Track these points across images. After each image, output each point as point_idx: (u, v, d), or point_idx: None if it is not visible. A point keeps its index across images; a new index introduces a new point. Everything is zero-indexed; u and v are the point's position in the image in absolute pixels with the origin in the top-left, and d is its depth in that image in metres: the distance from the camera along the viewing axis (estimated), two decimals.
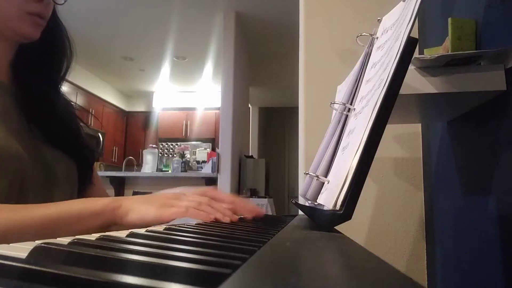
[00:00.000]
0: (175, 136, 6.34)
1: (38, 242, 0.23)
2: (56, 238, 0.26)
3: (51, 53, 0.74)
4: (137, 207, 0.50)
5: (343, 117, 0.63)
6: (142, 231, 0.34)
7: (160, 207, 0.50)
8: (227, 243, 0.27)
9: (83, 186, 0.77)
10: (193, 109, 6.42)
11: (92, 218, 0.49)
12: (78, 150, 0.74)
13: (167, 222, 0.50)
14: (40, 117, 0.68)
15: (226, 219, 0.53)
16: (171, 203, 0.52)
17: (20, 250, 0.22)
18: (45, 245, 0.22)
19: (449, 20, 0.73)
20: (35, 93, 0.69)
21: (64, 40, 0.76)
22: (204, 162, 5.19)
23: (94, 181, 0.80)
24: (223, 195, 0.62)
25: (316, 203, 0.57)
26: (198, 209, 0.52)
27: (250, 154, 4.69)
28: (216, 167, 3.76)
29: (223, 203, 0.59)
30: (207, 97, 6.40)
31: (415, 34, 1.08)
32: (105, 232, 0.46)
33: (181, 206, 0.51)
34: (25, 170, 0.61)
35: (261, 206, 3.85)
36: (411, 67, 0.71)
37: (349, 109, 0.61)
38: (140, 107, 7.03)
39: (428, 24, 1.07)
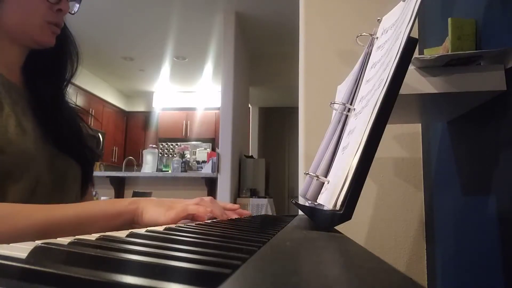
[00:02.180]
0: (175, 136, 6.34)
1: (38, 242, 0.23)
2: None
3: (58, 59, 0.77)
4: (150, 210, 0.55)
5: (343, 117, 0.63)
6: (142, 231, 0.34)
7: (167, 210, 0.55)
8: (227, 243, 0.27)
9: (86, 187, 0.77)
10: (193, 109, 6.41)
11: (115, 217, 0.54)
12: (80, 151, 0.75)
13: (175, 223, 0.54)
14: (50, 121, 0.70)
15: (224, 217, 0.58)
16: (174, 206, 0.56)
17: (20, 250, 0.22)
18: (45, 245, 0.22)
19: (449, 20, 0.73)
20: (45, 96, 0.71)
21: (70, 45, 0.79)
22: (204, 162, 5.19)
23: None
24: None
25: (316, 203, 0.57)
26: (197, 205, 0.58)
27: (250, 154, 4.69)
28: (216, 167, 3.76)
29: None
30: (207, 97, 6.40)
31: (415, 34, 1.08)
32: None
33: (181, 206, 0.56)
34: (40, 173, 0.63)
35: (261, 206, 3.85)
36: (411, 67, 0.71)
37: (349, 109, 0.61)
38: (140, 107, 7.03)
39: (428, 24, 1.07)
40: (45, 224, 0.48)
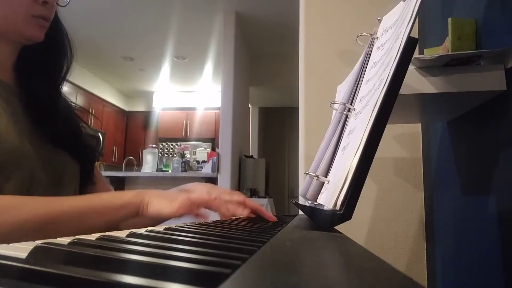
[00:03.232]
0: (175, 136, 6.34)
1: (38, 242, 0.23)
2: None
3: (52, 54, 0.75)
4: (155, 201, 0.56)
5: (343, 117, 0.63)
6: (142, 231, 0.34)
7: (171, 201, 0.55)
8: (227, 243, 0.27)
9: (84, 186, 0.77)
10: (193, 109, 6.41)
11: (119, 210, 0.54)
12: (80, 150, 0.75)
13: (179, 215, 0.55)
14: (45, 118, 0.69)
15: (228, 213, 0.59)
16: (178, 197, 0.57)
17: (20, 250, 0.22)
18: (45, 245, 0.22)
19: (449, 20, 0.73)
20: (39, 94, 0.70)
21: (64, 41, 0.77)
22: (204, 162, 5.19)
23: (96, 181, 0.80)
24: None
25: (316, 203, 0.57)
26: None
27: (250, 154, 4.69)
28: (216, 167, 3.76)
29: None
30: (207, 97, 6.39)
31: (415, 34, 1.08)
32: (128, 222, 0.53)
33: (185, 195, 0.56)
34: (34, 170, 0.62)
35: (261, 206, 3.85)
36: (411, 67, 0.71)
37: (349, 109, 0.61)
38: (140, 107, 7.02)
39: (428, 24, 1.07)
40: (49, 215, 0.49)
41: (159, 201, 0.55)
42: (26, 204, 0.50)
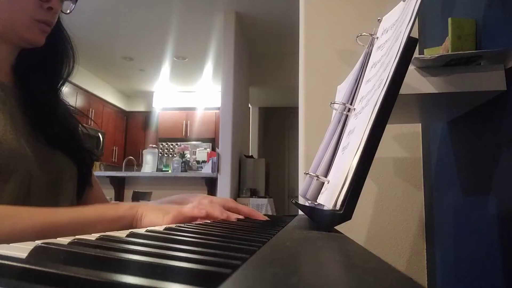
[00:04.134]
0: (175, 136, 6.34)
1: (38, 242, 0.23)
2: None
3: (52, 59, 0.75)
4: (149, 214, 0.55)
5: (343, 117, 0.63)
6: (142, 231, 0.34)
7: (164, 215, 0.55)
8: (227, 243, 0.27)
9: (82, 189, 0.77)
10: (193, 109, 6.41)
11: (113, 222, 0.54)
12: (78, 152, 0.75)
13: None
14: (43, 120, 0.69)
15: (222, 216, 0.58)
16: (170, 210, 0.56)
17: (20, 250, 0.22)
18: (45, 245, 0.22)
19: (449, 20, 0.73)
20: (37, 96, 0.70)
21: (66, 46, 0.77)
22: (204, 162, 5.20)
23: (93, 183, 0.80)
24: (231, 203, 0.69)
25: (316, 203, 0.57)
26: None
27: (250, 154, 4.69)
28: (216, 167, 3.77)
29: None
30: (207, 97, 6.40)
31: (415, 34, 1.08)
32: None
33: (177, 209, 0.56)
34: (32, 172, 0.62)
35: (261, 206, 3.85)
36: (411, 67, 0.71)
37: (349, 109, 0.61)
38: (140, 107, 7.02)
39: (428, 24, 1.07)
40: (42, 227, 0.48)
41: (152, 214, 0.55)
42: (19, 216, 0.49)
